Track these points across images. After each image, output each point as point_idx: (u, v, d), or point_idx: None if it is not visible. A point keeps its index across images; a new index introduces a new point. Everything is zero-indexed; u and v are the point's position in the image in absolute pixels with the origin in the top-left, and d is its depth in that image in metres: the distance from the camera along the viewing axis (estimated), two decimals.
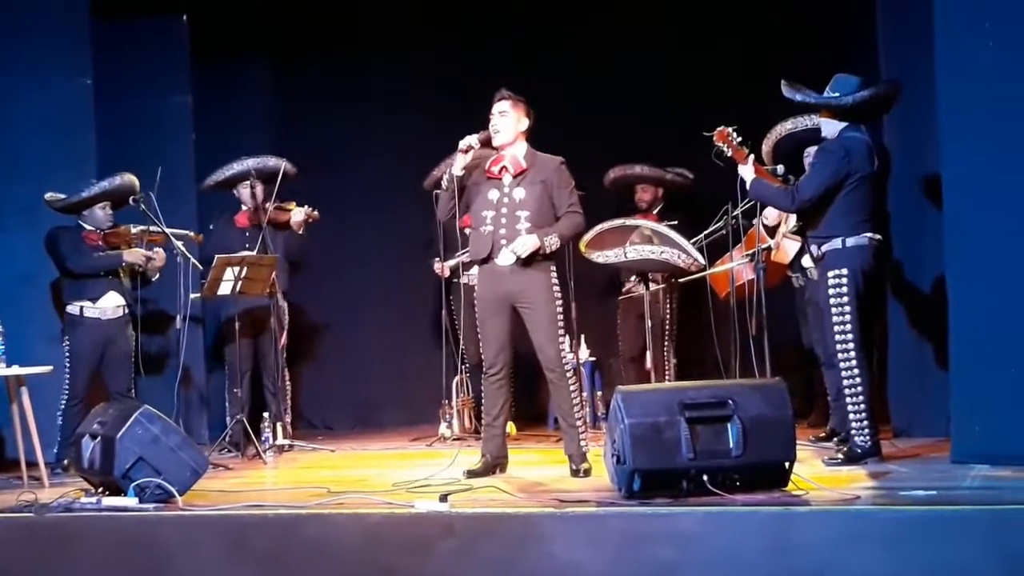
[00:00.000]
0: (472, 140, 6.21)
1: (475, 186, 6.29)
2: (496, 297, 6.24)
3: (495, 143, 6.24)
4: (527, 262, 6.13)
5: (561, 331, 6.22)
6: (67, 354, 7.35)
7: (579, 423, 6.21)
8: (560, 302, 6.23)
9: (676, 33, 9.16)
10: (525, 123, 6.26)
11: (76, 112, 8.05)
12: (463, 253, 7.48)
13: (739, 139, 6.28)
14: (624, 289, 8.63)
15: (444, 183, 6.32)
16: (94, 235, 7.44)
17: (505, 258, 6.18)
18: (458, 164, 6.23)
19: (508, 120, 6.21)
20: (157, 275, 7.65)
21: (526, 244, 6.10)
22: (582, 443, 6.19)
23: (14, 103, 7.82)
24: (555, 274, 6.24)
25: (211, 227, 8.41)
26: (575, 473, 6.10)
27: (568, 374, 6.21)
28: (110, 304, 7.42)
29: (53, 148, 7.87)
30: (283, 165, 8.15)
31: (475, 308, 6.42)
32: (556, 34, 9.41)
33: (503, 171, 6.24)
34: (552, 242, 6.15)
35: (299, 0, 9.51)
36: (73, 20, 8.10)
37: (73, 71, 8.06)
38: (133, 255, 7.43)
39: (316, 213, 8.31)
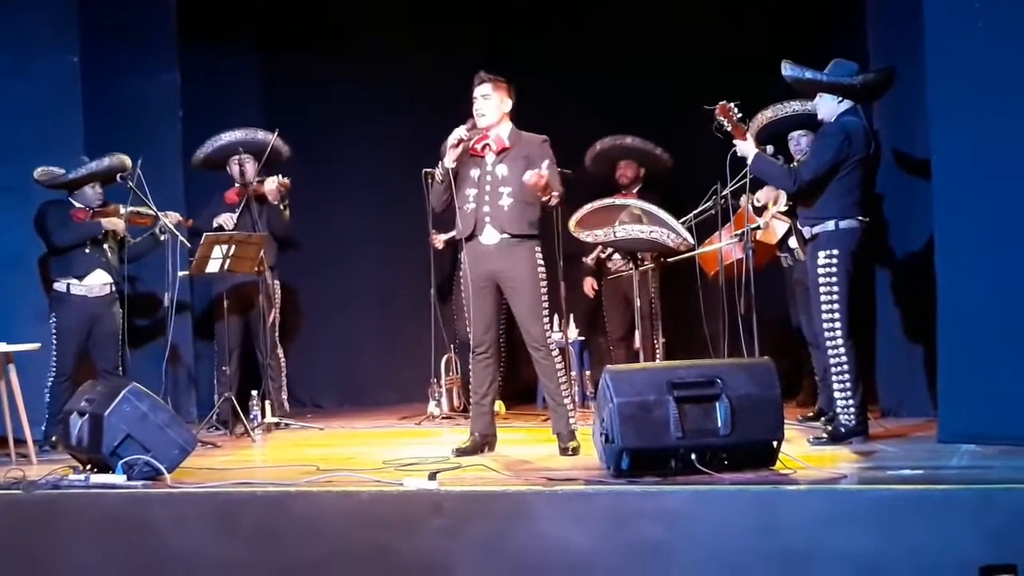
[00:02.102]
0: (461, 133, 6.21)
1: (461, 167, 6.30)
2: (481, 275, 6.25)
3: (480, 126, 6.25)
4: (513, 239, 6.14)
5: (546, 310, 6.22)
6: (54, 331, 7.36)
7: (567, 401, 6.22)
8: (545, 281, 6.24)
9: (662, 17, 9.15)
10: (508, 103, 6.28)
11: (63, 91, 7.99)
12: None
13: (739, 115, 6.29)
14: (614, 270, 8.63)
15: (438, 176, 6.32)
16: (83, 212, 7.44)
17: (489, 236, 6.19)
18: (449, 157, 6.23)
19: (491, 102, 6.22)
20: (164, 236, 7.62)
21: (533, 176, 6.02)
22: (570, 421, 6.20)
23: (0, 81, 7.77)
24: (540, 252, 6.24)
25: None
26: (564, 451, 6.11)
27: (553, 352, 6.22)
28: (97, 282, 7.42)
29: (40, 127, 7.82)
30: (272, 140, 8.13)
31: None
32: (545, 19, 9.39)
33: (486, 149, 6.25)
34: (556, 186, 6.13)
35: None
36: None
37: (59, 49, 8.00)
38: (112, 223, 7.43)
39: (287, 181, 8.23)
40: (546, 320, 6.23)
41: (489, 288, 6.27)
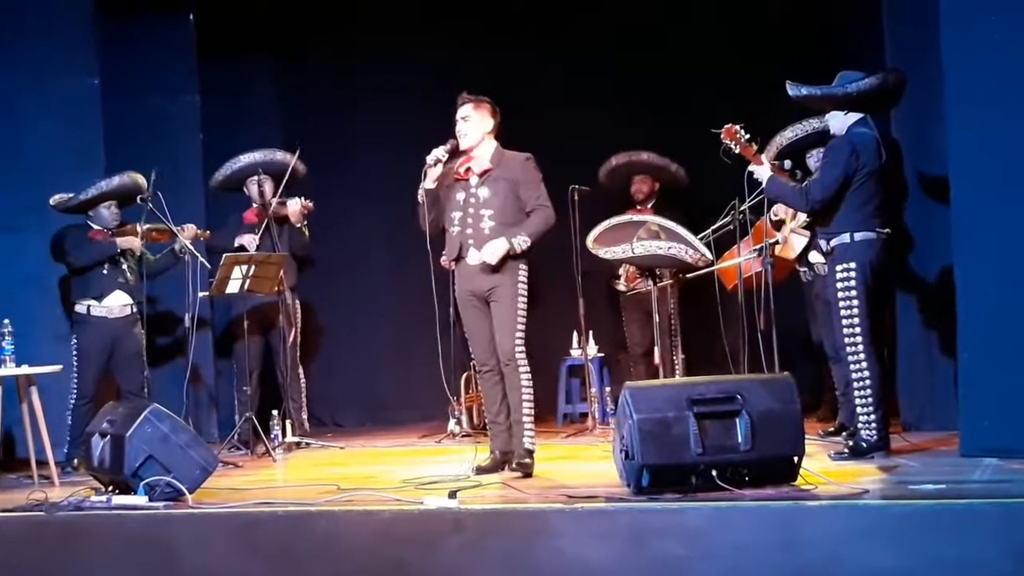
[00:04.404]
0: (439, 153, 6.21)
1: (447, 190, 6.31)
2: (470, 295, 6.27)
3: (462, 147, 6.25)
4: (498, 263, 6.13)
5: (521, 327, 6.17)
6: (75, 353, 7.39)
7: (526, 419, 6.18)
8: (524, 299, 6.20)
9: (677, 27, 9.17)
10: (491, 123, 6.27)
11: (83, 112, 8.03)
12: None
13: (747, 136, 6.28)
14: (630, 286, 8.62)
15: (420, 198, 6.30)
16: (100, 234, 7.46)
17: (473, 257, 6.20)
18: (429, 178, 6.24)
19: (472, 123, 6.23)
20: (184, 254, 7.66)
21: (495, 250, 6.09)
22: (526, 440, 6.16)
23: (21, 103, 7.80)
24: (524, 272, 6.21)
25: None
26: (513, 468, 6.08)
27: (521, 368, 6.16)
28: (116, 303, 7.44)
29: (61, 148, 7.85)
30: (291, 161, 8.16)
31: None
32: (557, 31, 9.41)
33: (468, 172, 6.26)
34: (521, 242, 6.13)
35: None
36: (79, 20, 8.07)
37: (80, 71, 8.04)
38: (128, 241, 7.46)
39: (311, 204, 8.30)
40: (519, 337, 6.17)
41: (478, 306, 6.27)
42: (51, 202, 7.39)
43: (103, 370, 7.45)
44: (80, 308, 7.42)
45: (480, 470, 6.19)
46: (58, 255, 7.47)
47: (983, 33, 5.84)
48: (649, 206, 8.58)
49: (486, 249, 6.11)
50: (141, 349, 7.50)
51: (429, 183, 6.25)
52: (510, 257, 6.15)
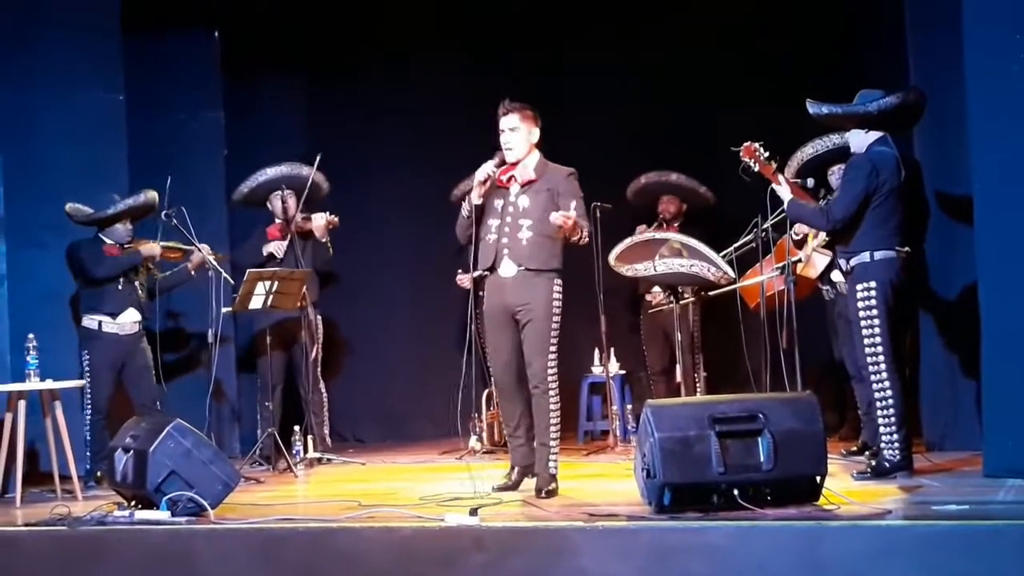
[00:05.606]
0: (489, 169, 6.10)
1: (487, 198, 6.20)
2: (497, 309, 6.16)
3: (509, 160, 6.13)
4: (530, 272, 6.02)
5: (554, 346, 6.06)
6: (87, 369, 7.36)
7: (552, 442, 6.08)
8: (558, 317, 6.07)
9: (700, 44, 9.18)
10: (536, 133, 6.15)
11: (108, 128, 8.07)
12: None
13: (766, 154, 6.27)
14: (655, 303, 8.61)
15: (464, 211, 6.22)
16: (114, 249, 7.44)
17: (507, 268, 6.10)
18: (475, 193, 6.14)
19: (519, 135, 6.10)
20: (208, 269, 7.72)
21: (564, 214, 5.86)
22: (550, 464, 6.07)
23: (46, 118, 7.83)
24: (559, 287, 6.09)
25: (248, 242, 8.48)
26: (538, 492, 5.99)
27: (551, 392, 6.06)
28: (129, 320, 7.44)
29: (85, 164, 7.88)
30: (313, 175, 8.19)
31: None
32: (580, 50, 9.44)
33: (511, 180, 6.16)
34: (585, 224, 6.02)
35: (329, 14, 9.57)
36: (105, 36, 8.12)
37: (105, 87, 8.08)
38: (149, 249, 7.48)
39: (336, 219, 8.35)
40: (552, 357, 6.05)
41: (506, 323, 6.15)
42: (67, 209, 7.35)
43: (115, 385, 7.44)
44: (90, 323, 7.39)
45: (501, 488, 6.17)
46: (75, 268, 7.44)
47: (1007, 52, 5.82)
48: (675, 225, 8.58)
49: (556, 215, 5.89)
50: (150, 363, 7.52)
51: (476, 198, 6.13)
52: (545, 269, 6.05)
